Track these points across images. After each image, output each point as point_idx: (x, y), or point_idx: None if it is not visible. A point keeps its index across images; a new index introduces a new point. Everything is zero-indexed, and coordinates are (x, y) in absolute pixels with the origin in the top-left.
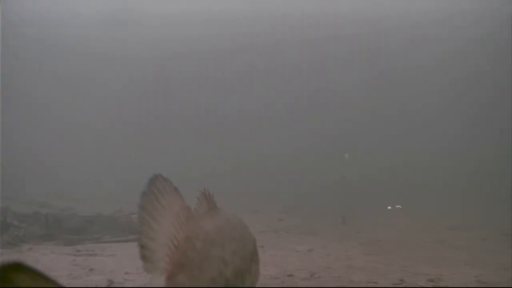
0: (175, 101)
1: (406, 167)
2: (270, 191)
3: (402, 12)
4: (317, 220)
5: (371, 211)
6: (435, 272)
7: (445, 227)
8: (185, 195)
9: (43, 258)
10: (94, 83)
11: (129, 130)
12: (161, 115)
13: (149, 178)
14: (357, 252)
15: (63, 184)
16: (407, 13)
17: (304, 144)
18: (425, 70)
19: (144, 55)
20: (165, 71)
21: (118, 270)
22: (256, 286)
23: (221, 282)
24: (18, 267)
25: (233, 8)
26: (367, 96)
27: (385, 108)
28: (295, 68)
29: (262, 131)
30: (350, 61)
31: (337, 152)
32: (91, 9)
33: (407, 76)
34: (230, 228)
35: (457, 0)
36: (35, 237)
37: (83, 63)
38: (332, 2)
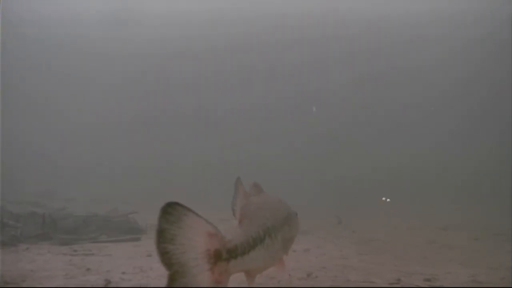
0: (174, 100)
1: (401, 167)
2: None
3: (402, 12)
4: (312, 220)
5: (366, 211)
6: (429, 271)
7: (438, 227)
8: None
9: (40, 257)
10: (93, 83)
11: (128, 130)
12: (160, 114)
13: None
14: (352, 252)
15: (57, 184)
16: (407, 13)
17: (299, 144)
18: (425, 70)
19: (144, 54)
20: (164, 71)
21: (115, 270)
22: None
23: (265, 228)
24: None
25: (233, 8)
26: (366, 96)
27: (383, 107)
28: (294, 67)
29: (258, 130)
30: (350, 61)
31: (333, 152)
32: (91, 9)
33: (406, 75)
34: (267, 203)
35: (457, 0)
36: (32, 237)
37: (83, 62)
38: (332, 2)
